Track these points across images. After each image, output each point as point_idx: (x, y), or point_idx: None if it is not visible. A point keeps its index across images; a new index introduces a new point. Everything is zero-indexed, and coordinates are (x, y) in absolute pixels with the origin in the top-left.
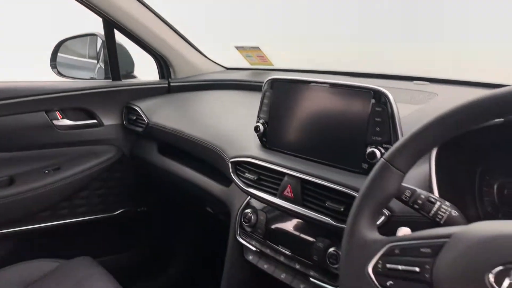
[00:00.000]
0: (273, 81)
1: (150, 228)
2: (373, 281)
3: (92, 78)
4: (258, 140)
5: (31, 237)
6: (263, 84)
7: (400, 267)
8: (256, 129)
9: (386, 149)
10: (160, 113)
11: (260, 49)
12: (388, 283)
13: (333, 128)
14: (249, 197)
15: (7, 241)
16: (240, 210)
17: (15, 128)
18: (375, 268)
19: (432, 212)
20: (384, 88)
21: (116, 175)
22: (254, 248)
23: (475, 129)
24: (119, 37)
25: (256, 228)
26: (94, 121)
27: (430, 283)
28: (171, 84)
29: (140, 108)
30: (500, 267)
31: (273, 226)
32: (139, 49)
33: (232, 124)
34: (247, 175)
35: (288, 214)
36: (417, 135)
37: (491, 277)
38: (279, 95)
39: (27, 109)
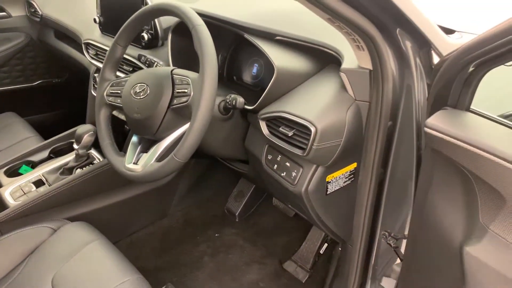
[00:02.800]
0: None
1: (66, 94)
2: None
3: None
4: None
5: None
6: None
7: (118, 91)
8: (95, 20)
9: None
10: (51, 6)
11: None
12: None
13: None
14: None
15: None
16: (92, 74)
17: None
18: (106, 92)
19: (154, 66)
20: None
21: (29, 54)
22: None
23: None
24: None
25: None
26: (4, 13)
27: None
28: None
29: (35, 2)
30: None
31: None
32: None
33: (91, 15)
34: (90, 51)
35: None
36: (127, 25)
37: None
38: None
39: None
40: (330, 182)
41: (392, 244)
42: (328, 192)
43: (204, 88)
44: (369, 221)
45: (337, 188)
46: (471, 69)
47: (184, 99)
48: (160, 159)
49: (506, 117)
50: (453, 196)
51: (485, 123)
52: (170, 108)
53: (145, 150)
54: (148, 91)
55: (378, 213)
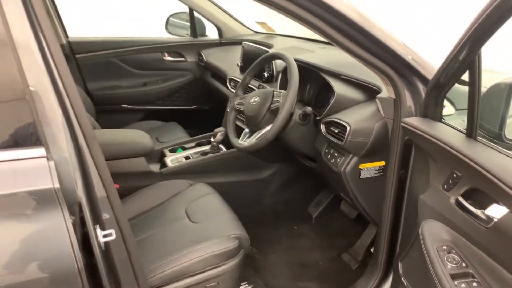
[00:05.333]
0: (243, 44)
1: (209, 117)
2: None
3: (186, 35)
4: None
5: (150, 112)
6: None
7: (243, 102)
8: (237, 65)
9: None
10: (212, 56)
11: (266, 24)
12: (237, 106)
13: None
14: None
15: (138, 112)
16: (230, 99)
17: (147, 59)
18: (236, 102)
19: None
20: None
21: (192, 87)
22: None
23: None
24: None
25: None
26: (183, 58)
27: None
28: (222, 41)
29: (202, 53)
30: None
31: None
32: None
33: (235, 62)
34: (231, 84)
35: None
36: (255, 64)
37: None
38: (245, 51)
39: (152, 51)
40: (362, 169)
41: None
42: (361, 177)
43: (287, 97)
44: (393, 208)
45: (369, 176)
46: (435, 91)
47: (277, 104)
48: (257, 139)
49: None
50: (420, 169)
51: (437, 125)
52: (268, 110)
53: (250, 136)
54: (259, 100)
55: (402, 203)
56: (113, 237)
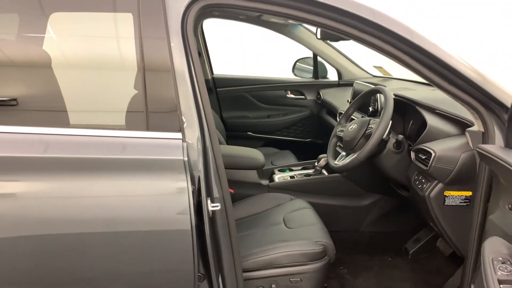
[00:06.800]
0: (354, 82)
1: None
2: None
3: (310, 77)
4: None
5: (270, 141)
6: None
7: (343, 129)
8: (348, 101)
9: None
10: (328, 94)
11: (383, 68)
12: (338, 132)
13: None
14: None
15: (260, 140)
16: None
17: (273, 95)
18: (338, 129)
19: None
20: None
21: (308, 122)
22: None
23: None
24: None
25: None
26: (303, 97)
27: None
28: (340, 82)
29: (321, 92)
30: None
31: None
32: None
33: (345, 99)
34: (340, 116)
35: None
36: (358, 98)
37: None
38: (355, 89)
39: (278, 89)
40: (447, 196)
41: None
42: (446, 203)
43: (380, 123)
44: (478, 241)
45: (454, 204)
46: None
47: (370, 130)
48: (350, 160)
49: None
50: (494, 193)
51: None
52: (363, 135)
53: (345, 158)
54: (356, 127)
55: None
56: (218, 208)
